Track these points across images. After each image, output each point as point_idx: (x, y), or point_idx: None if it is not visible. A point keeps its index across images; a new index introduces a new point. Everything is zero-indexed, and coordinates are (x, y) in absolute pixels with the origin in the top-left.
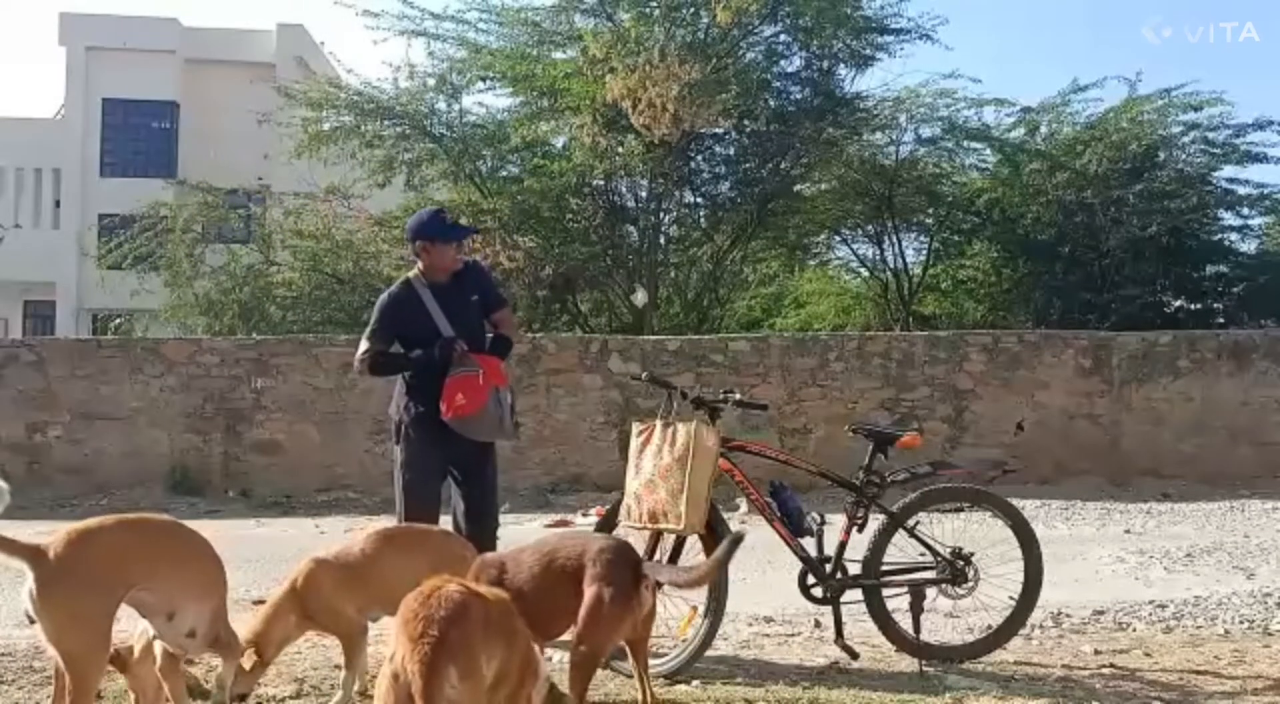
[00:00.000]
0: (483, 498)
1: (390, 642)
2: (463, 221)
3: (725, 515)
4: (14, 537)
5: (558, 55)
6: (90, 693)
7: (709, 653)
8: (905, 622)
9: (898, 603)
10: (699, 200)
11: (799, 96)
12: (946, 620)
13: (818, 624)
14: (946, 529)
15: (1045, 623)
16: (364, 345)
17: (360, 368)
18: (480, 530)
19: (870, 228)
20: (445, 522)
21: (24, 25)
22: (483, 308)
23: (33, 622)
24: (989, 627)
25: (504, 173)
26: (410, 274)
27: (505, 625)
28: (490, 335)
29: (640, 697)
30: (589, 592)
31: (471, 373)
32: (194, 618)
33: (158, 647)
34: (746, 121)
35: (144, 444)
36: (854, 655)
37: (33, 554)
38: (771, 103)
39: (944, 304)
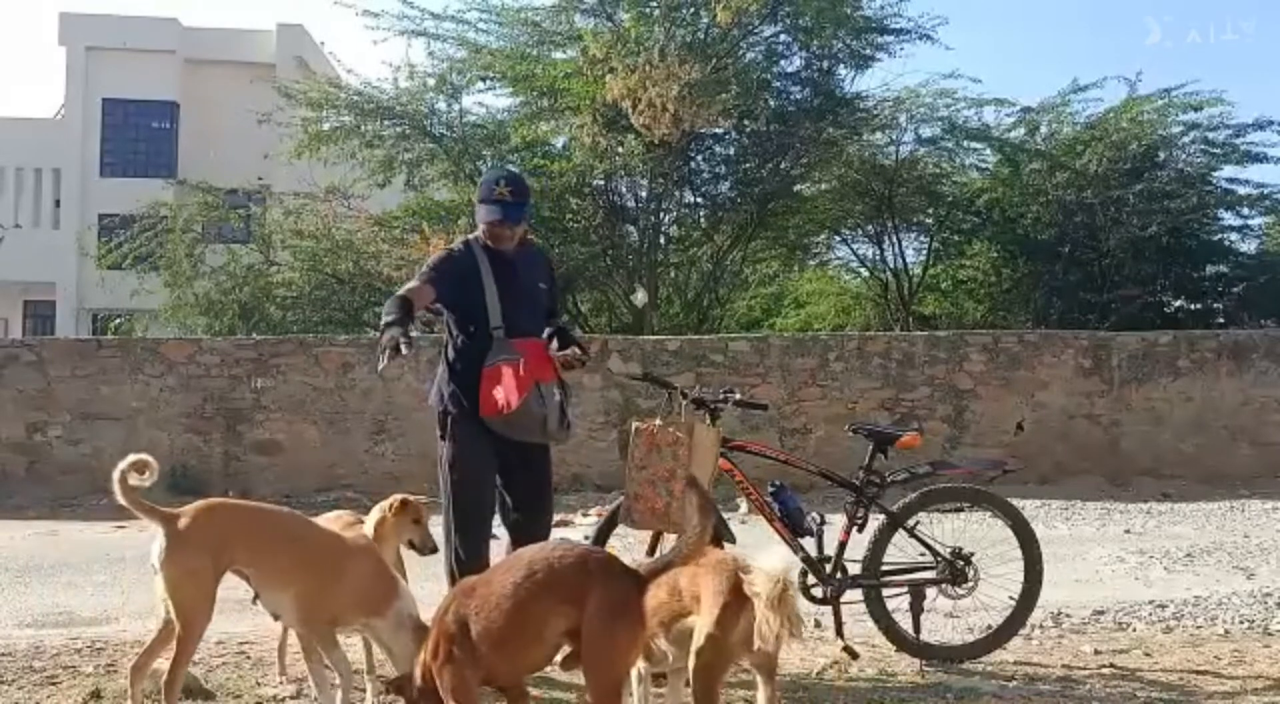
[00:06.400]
0: (531, 503)
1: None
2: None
3: (725, 515)
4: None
5: (558, 55)
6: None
7: None
8: (905, 622)
9: (898, 603)
10: (699, 200)
11: (799, 96)
12: (946, 620)
13: (818, 624)
14: (946, 529)
15: (1045, 623)
16: (413, 283)
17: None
18: (526, 539)
19: (870, 228)
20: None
21: (24, 25)
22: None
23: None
24: (989, 627)
25: None
26: (474, 235)
27: None
28: (550, 331)
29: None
30: (594, 616)
31: (511, 361)
32: (273, 602)
33: None
34: (746, 121)
35: (144, 444)
36: (854, 655)
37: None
38: (771, 103)
39: (944, 304)
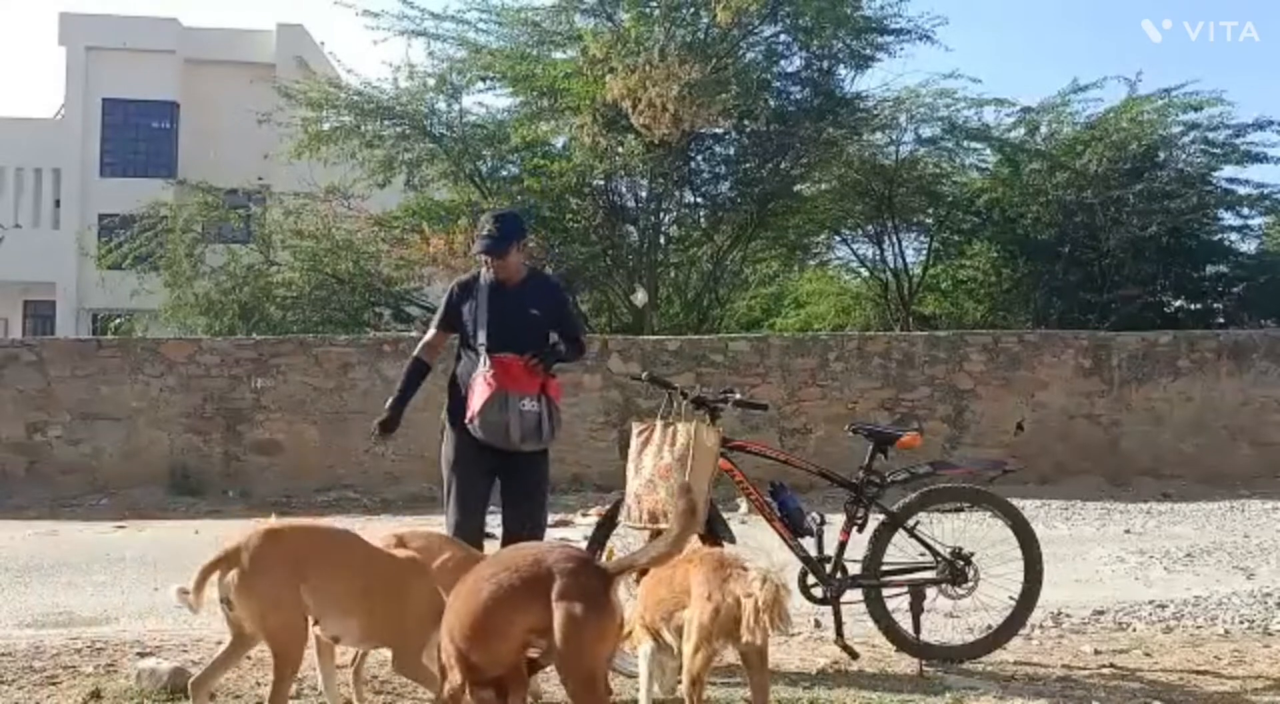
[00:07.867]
0: (520, 512)
1: None
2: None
3: (725, 515)
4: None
5: (558, 55)
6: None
7: None
8: (905, 622)
9: (898, 603)
10: (699, 200)
11: (799, 96)
12: (946, 620)
13: (818, 624)
14: (946, 529)
15: (1045, 623)
16: (429, 332)
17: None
18: (514, 541)
19: (870, 228)
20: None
21: (24, 25)
22: (551, 327)
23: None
24: (989, 627)
25: (504, 173)
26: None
27: None
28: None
29: None
30: (559, 611)
31: (484, 373)
32: (335, 627)
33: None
34: (746, 121)
35: (144, 444)
36: (854, 655)
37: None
38: (771, 103)
39: (944, 304)
